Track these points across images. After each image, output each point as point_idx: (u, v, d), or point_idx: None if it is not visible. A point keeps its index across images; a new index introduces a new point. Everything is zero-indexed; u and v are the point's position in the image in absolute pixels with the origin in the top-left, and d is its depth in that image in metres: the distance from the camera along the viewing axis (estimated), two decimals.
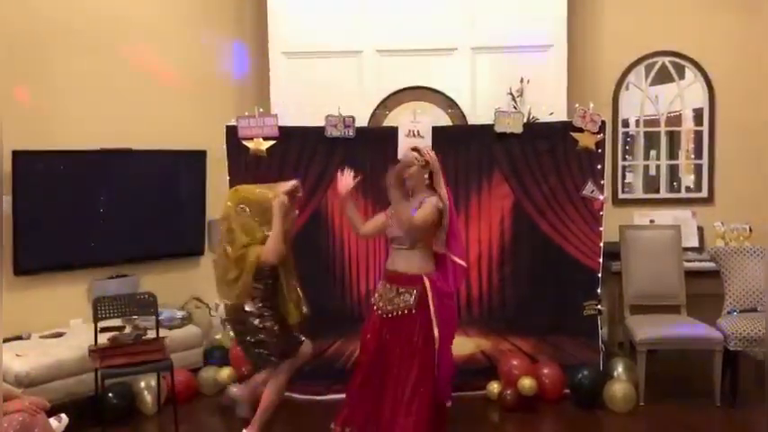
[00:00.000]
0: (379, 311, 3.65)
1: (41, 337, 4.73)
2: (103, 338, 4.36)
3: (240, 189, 4.05)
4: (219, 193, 5.11)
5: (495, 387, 4.72)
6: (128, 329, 4.69)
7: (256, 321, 3.87)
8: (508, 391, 4.60)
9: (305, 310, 3.97)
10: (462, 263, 3.70)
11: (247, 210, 3.88)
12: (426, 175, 3.63)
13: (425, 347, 3.55)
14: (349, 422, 3.70)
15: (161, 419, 4.57)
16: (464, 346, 4.75)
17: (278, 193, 3.87)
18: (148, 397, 4.60)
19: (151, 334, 4.51)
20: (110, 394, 4.39)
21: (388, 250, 3.88)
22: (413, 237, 3.57)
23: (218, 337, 5.38)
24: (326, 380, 4.88)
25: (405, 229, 3.53)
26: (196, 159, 5.57)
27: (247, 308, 3.89)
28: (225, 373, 4.81)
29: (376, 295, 3.73)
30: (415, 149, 3.69)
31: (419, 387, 3.50)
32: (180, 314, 5.21)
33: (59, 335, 4.78)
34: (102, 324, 4.45)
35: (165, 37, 5.57)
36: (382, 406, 3.57)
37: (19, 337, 4.63)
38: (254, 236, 3.83)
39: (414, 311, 3.54)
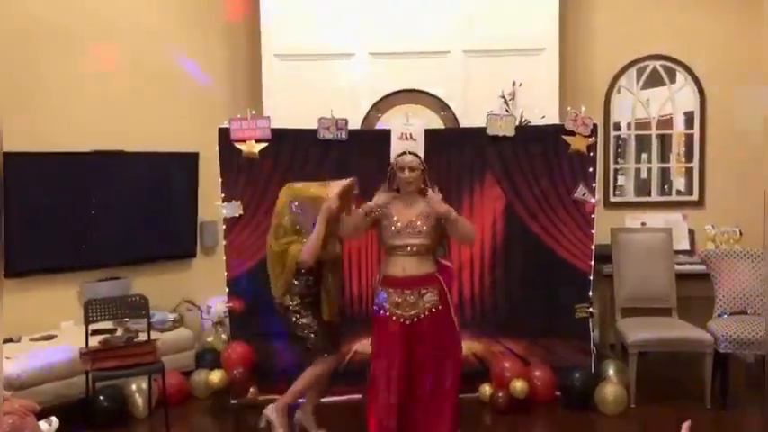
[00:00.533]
0: (402, 319, 3.58)
1: (32, 339, 4.71)
2: (94, 341, 4.33)
3: (294, 186, 4.13)
4: (211, 196, 5.12)
5: (486, 389, 4.73)
6: (119, 332, 4.68)
7: (294, 318, 4.00)
8: (500, 394, 4.61)
9: (335, 313, 4.04)
10: (449, 264, 3.79)
11: (297, 206, 3.98)
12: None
13: (454, 342, 3.68)
14: None
15: (152, 422, 4.55)
16: None
17: (330, 193, 3.90)
18: (139, 400, 4.59)
19: (143, 336, 4.49)
20: (100, 397, 4.37)
21: (380, 257, 3.87)
22: (433, 241, 3.62)
23: (209, 339, 5.37)
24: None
25: (466, 243, 3.76)
26: (188, 161, 5.56)
27: (287, 303, 4.01)
28: (216, 375, 4.79)
29: (388, 306, 3.61)
30: (411, 153, 3.71)
31: (452, 380, 3.61)
32: (172, 317, 5.20)
33: (50, 337, 4.76)
34: (93, 326, 4.42)
35: (158, 39, 5.56)
36: (414, 408, 3.59)
37: (9, 340, 4.61)
38: (300, 234, 3.94)
39: (440, 308, 3.61)
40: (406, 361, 3.57)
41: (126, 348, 4.28)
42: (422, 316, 3.58)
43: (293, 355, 4.89)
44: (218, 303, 5.25)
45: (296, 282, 3.97)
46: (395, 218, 3.62)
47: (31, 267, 4.83)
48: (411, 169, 3.64)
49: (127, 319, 4.76)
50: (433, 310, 3.59)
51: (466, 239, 3.77)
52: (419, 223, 3.59)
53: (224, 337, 5.20)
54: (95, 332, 4.46)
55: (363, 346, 4.82)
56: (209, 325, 5.46)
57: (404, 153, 3.73)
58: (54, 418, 3.53)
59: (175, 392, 4.73)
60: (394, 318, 3.59)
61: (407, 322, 3.57)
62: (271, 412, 4.10)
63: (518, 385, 4.55)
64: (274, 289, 4.05)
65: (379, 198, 3.66)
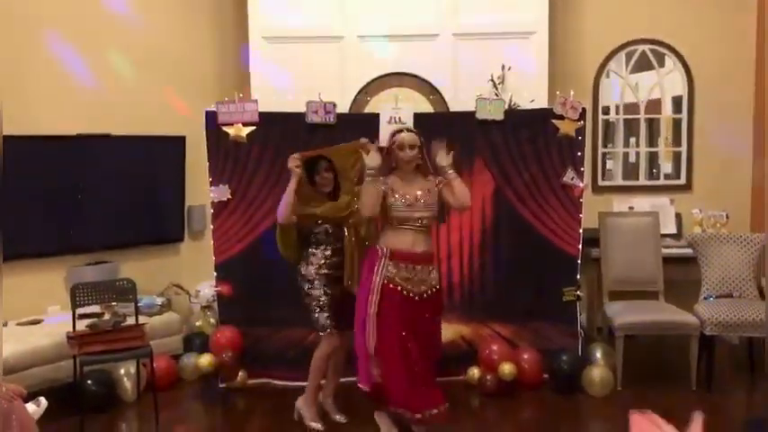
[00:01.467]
0: (412, 294, 3.67)
1: (19, 324, 4.69)
2: (82, 325, 4.32)
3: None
4: (199, 180, 5.10)
5: (475, 372, 4.76)
6: (106, 316, 4.66)
7: (306, 286, 4.02)
8: (488, 377, 4.64)
9: (353, 284, 3.97)
10: None
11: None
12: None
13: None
14: (417, 406, 3.69)
15: (141, 406, 4.55)
16: (445, 331, 4.72)
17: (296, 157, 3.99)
18: (128, 384, 4.58)
19: (130, 321, 4.48)
20: (88, 381, 4.35)
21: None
22: (436, 217, 3.73)
23: (198, 323, 5.37)
24: (308, 365, 4.86)
25: (462, 207, 3.74)
26: (175, 145, 5.52)
27: (302, 270, 4.03)
28: (205, 359, 4.79)
29: (398, 279, 3.66)
30: (409, 130, 3.76)
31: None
32: (159, 300, 5.18)
33: (37, 322, 4.74)
34: (80, 311, 4.41)
35: (144, 21, 5.50)
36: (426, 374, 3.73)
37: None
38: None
39: (439, 286, 3.80)
40: (416, 333, 3.68)
41: (113, 332, 4.27)
42: (431, 292, 3.72)
43: (281, 338, 4.93)
44: (207, 287, 5.24)
45: (314, 250, 4.01)
46: (401, 191, 3.65)
47: (18, 252, 4.77)
48: (411, 147, 3.67)
49: (114, 304, 4.74)
50: (437, 288, 3.77)
51: (462, 203, 3.77)
52: (425, 198, 3.67)
53: (212, 321, 5.20)
54: (82, 316, 4.45)
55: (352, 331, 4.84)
56: (197, 309, 5.45)
57: (401, 130, 3.74)
58: (42, 399, 3.52)
59: (164, 376, 4.72)
60: (404, 292, 3.66)
61: (416, 298, 3.67)
62: (300, 405, 4.17)
63: (506, 368, 4.58)
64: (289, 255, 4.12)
65: (373, 160, 3.68)
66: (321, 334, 4.06)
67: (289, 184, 3.96)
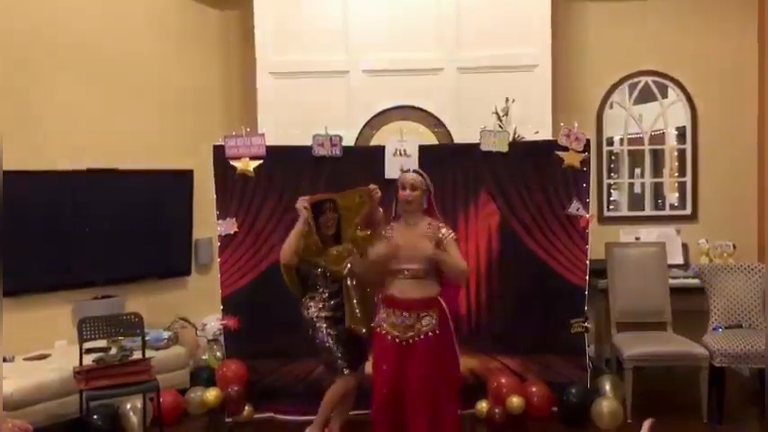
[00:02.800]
0: (397, 339, 3.54)
1: (25, 359, 4.68)
2: (89, 360, 4.31)
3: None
4: (206, 213, 5.12)
5: (483, 405, 4.71)
6: (113, 350, 4.64)
7: (309, 330, 4.01)
8: (497, 410, 4.59)
9: (355, 326, 3.94)
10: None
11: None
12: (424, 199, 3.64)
13: (453, 365, 3.64)
14: None
15: None
16: None
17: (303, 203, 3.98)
18: (134, 419, 4.54)
19: (137, 355, 4.47)
20: (95, 416, 4.32)
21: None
22: (434, 269, 3.56)
23: (204, 357, 5.35)
24: (314, 400, 4.82)
25: (457, 274, 3.60)
26: (182, 179, 5.56)
27: (304, 314, 4.03)
28: (212, 393, 4.77)
29: (385, 325, 3.58)
30: (415, 172, 3.67)
31: (451, 404, 3.58)
32: (166, 335, 5.17)
33: (44, 356, 4.73)
34: (87, 345, 4.40)
35: (152, 57, 5.59)
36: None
37: (2, 359, 4.57)
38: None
39: (437, 332, 3.54)
40: (397, 379, 3.52)
41: (120, 367, 4.25)
42: (418, 338, 3.53)
43: (288, 372, 4.90)
44: (213, 321, 5.23)
45: (313, 294, 4.01)
46: (395, 239, 3.56)
47: (25, 286, 4.79)
48: (412, 187, 3.57)
49: (121, 338, 4.72)
50: (430, 333, 3.53)
51: (456, 277, 3.68)
52: (412, 250, 3.50)
53: (218, 354, 5.18)
54: (89, 351, 4.44)
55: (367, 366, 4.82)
56: (203, 343, 5.43)
57: (407, 171, 3.66)
58: None
59: (170, 411, 4.69)
60: (389, 337, 3.56)
61: (403, 343, 3.54)
62: None
63: (515, 401, 4.54)
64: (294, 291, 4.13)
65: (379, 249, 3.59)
66: (337, 377, 4.02)
67: (296, 226, 3.96)
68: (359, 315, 3.95)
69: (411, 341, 3.53)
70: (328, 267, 4.00)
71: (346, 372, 3.97)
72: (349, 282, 3.99)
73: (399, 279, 3.55)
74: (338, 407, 4.15)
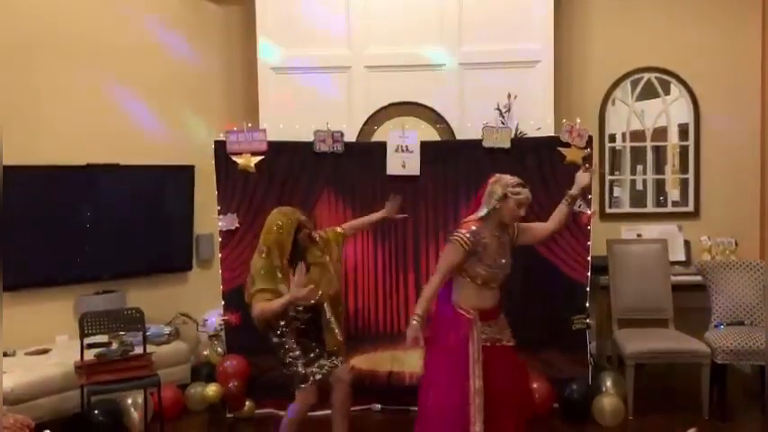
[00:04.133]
0: (498, 344, 3.45)
1: (27, 353, 4.68)
2: (90, 355, 4.31)
3: (292, 220, 3.78)
4: (207, 209, 5.12)
5: None
6: (114, 345, 4.65)
7: (275, 339, 3.77)
8: None
9: (339, 337, 3.87)
10: None
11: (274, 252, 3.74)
12: None
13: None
14: None
15: None
16: None
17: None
18: (135, 414, 4.55)
19: (138, 350, 4.47)
20: (96, 411, 4.33)
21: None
22: None
23: (205, 353, 5.35)
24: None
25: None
26: (184, 174, 5.55)
27: (272, 323, 3.75)
28: (212, 389, 4.78)
29: (484, 336, 3.39)
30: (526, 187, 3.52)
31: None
32: (167, 330, 5.17)
33: (45, 351, 4.74)
34: (88, 340, 4.41)
35: (153, 52, 5.58)
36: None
37: (4, 354, 4.58)
38: (272, 282, 3.70)
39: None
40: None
41: (121, 362, 4.26)
42: (510, 345, 3.50)
43: None
44: (214, 316, 5.23)
45: (278, 322, 3.75)
46: (493, 249, 3.40)
47: (26, 281, 4.80)
48: (527, 207, 3.47)
49: (122, 333, 4.74)
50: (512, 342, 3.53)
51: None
52: (505, 258, 3.47)
53: (219, 350, 5.18)
54: (90, 346, 4.44)
55: (360, 361, 4.81)
56: (204, 338, 5.44)
57: (525, 186, 3.48)
58: None
59: (171, 406, 4.69)
60: (490, 344, 3.42)
61: (500, 345, 3.47)
62: None
63: None
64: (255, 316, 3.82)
65: None
66: (296, 392, 3.80)
67: (282, 301, 3.60)
68: (338, 337, 3.87)
69: (506, 345, 3.49)
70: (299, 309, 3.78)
71: (302, 386, 3.77)
72: (328, 305, 3.85)
73: (487, 288, 3.43)
74: (335, 416, 3.93)
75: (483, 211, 3.41)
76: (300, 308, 3.74)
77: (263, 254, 3.75)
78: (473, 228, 3.37)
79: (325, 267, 3.88)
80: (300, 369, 3.75)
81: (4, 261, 4.62)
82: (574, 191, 3.71)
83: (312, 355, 3.80)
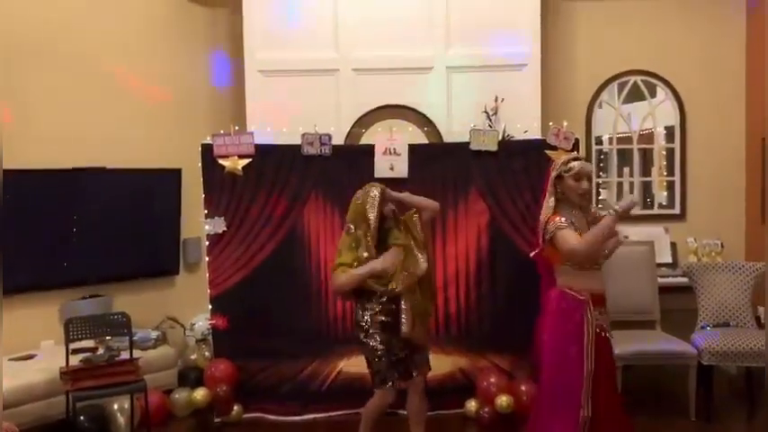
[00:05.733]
0: (604, 333, 3.42)
1: (11, 359, 4.63)
2: (75, 360, 4.28)
3: (369, 191, 3.72)
4: (194, 212, 5.10)
5: (472, 405, 4.71)
6: (100, 350, 4.61)
7: (361, 335, 3.68)
8: (485, 409, 4.59)
9: (418, 333, 3.69)
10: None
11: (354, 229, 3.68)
12: None
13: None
14: None
15: None
16: (442, 364, 4.74)
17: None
18: (121, 419, 4.51)
19: (125, 355, 4.44)
20: (81, 417, 4.30)
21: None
22: None
23: (193, 357, 5.31)
24: (303, 400, 4.84)
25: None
26: (171, 178, 5.52)
27: (357, 318, 3.70)
28: (200, 393, 4.75)
29: (597, 321, 3.36)
30: (585, 160, 3.52)
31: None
32: (154, 334, 5.14)
33: (30, 357, 4.69)
34: (74, 345, 4.37)
35: (140, 54, 5.55)
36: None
37: None
38: (352, 256, 3.63)
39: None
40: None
41: (107, 367, 4.23)
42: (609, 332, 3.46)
43: (277, 372, 4.89)
44: (202, 321, 5.21)
45: (369, 297, 3.65)
46: (582, 230, 3.36)
47: (11, 286, 4.74)
48: (589, 179, 3.41)
49: (108, 338, 4.70)
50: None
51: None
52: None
53: (207, 354, 5.15)
54: (76, 351, 4.41)
55: (348, 364, 4.80)
56: (192, 342, 5.40)
57: (576, 158, 3.45)
58: None
59: (158, 411, 4.66)
60: (602, 333, 3.41)
61: (609, 335, 3.46)
62: None
63: (504, 400, 4.54)
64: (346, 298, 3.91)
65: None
66: (376, 390, 3.71)
67: (366, 268, 3.58)
68: (415, 324, 3.66)
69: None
70: (382, 290, 3.64)
71: (383, 386, 3.66)
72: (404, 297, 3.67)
73: (591, 269, 3.41)
74: (411, 423, 3.83)
75: (551, 201, 3.42)
76: (384, 299, 3.63)
77: (347, 231, 3.72)
78: (556, 218, 3.35)
79: (408, 250, 3.74)
80: (382, 371, 3.65)
81: None
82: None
83: (395, 357, 3.66)
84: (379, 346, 3.63)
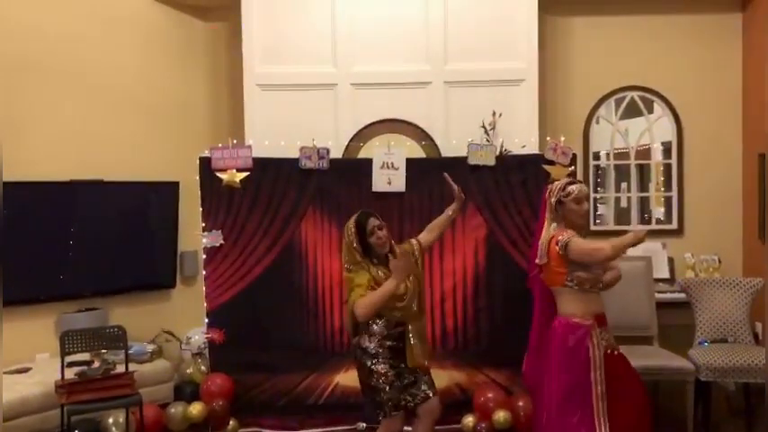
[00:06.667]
0: (614, 351, 3.45)
1: (6, 372, 4.60)
2: (71, 373, 4.25)
3: (350, 223, 3.62)
4: (192, 225, 5.09)
5: (470, 420, 4.69)
6: (96, 364, 4.58)
7: (369, 363, 3.53)
8: (482, 424, 4.57)
9: (423, 360, 3.61)
10: None
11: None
12: None
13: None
14: None
15: None
16: (439, 378, 4.66)
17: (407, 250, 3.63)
18: None
19: (120, 368, 4.42)
20: (76, 431, 4.26)
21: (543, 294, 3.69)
22: None
23: (189, 371, 5.29)
24: (299, 415, 4.82)
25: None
26: (168, 191, 5.53)
27: (363, 344, 3.55)
28: (196, 408, 4.72)
29: (604, 343, 3.40)
30: (580, 182, 3.55)
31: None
32: (150, 348, 5.11)
33: (25, 370, 4.67)
34: (69, 359, 4.35)
35: (139, 68, 5.57)
36: None
37: None
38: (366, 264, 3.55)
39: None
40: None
41: (103, 381, 4.20)
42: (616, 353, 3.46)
43: (273, 386, 4.87)
44: (198, 334, 5.19)
45: (376, 321, 3.52)
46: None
47: (7, 298, 4.71)
48: (587, 199, 3.44)
49: (104, 351, 4.68)
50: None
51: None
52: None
53: (203, 368, 5.13)
54: (72, 364, 4.38)
55: (344, 378, 4.78)
56: (188, 356, 5.38)
57: (574, 182, 3.48)
58: None
59: (153, 425, 4.63)
60: (610, 352, 3.43)
61: (617, 353, 3.47)
62: None
63: (501, 415, 4.52)
64: (347, 325, 3.71)
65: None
66: (381, 418, 3.56)
67: (388, 285, 3.43)
68: (420, 352, 3.59)
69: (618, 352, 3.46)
70: (395, 316, 3.56)
71: (394, 413, 3.54)
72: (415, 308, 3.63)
73: (592, 292, 3.44)
74: None
75: (552, 227, 3.44)
76: (392, 322, 3.54)
77: (347, 271, 3.60)
78: (564, 234, 3.35)
79: (413, 278, 3.64)
80: (393, 395, 3.52)
81: None
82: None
83: (406, 381, 3.59)
84: (390, 372, 3.52)
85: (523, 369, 3.58)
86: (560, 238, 3.37)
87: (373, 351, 3.53)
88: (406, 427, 3.68)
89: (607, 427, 3.28)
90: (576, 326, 3.36)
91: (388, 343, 3.55)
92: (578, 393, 3.32)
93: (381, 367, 3.52)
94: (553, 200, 3.45)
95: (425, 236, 3.89)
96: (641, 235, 3.24)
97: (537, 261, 3.54)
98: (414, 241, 3.83)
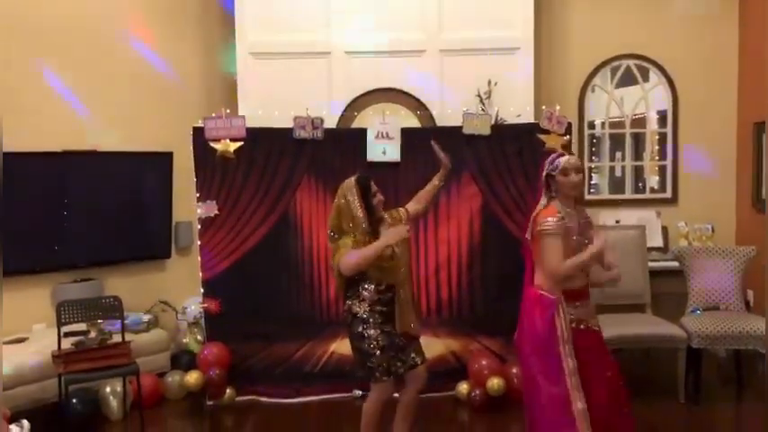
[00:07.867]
0: (585, 325, 3.39)
1: (3, 342, 4.62)
2: (67, 343, 4.28)
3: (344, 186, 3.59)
4: (186, 196, 5.08)
5: (464, 387, 4.74)
6: (92, 334, 4.60)
7: (360, 327, 3.52)
8: (477, 392, 4.62)
9: (413, 326, 3.61)
10: None
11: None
12: None
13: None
14: None
15: (127, 425, 4.51)
16: (434, 347, 4.76)
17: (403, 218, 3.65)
18: (114, 402, 4.53)
19: (117, 338, 4.44)
20: (74, 400, 4.31)
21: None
22: None
23: (185, 340, 5.33)
24: (296, 383, 4.87)
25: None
26: (162, 161, 5.50)
27: (354, 310, 3.55)
28: (193, 376, 4.76)
29: (571, 317, 3.33)
30: (571, 154, 3.50)
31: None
32: (146, 318, 5.14)
33: (22, 340, 4.69)
34: (66, 329, 4.36)
35: (131, 37, 5.50)
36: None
37: None
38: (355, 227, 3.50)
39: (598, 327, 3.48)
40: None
41: (99, 350, 4.23)
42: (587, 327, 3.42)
43: (269, 355, 4.91)
44: (194, 304, 5.21)
45: (365, 286, 3.52)
46: (572, 228, 3.34)
47: (2, 269, 4.73)
48: (577, 171, 3.34)
49: (100, 321, 4.68)
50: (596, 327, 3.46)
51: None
52: (585, 234, 3.42)
53: (199, 338, 5.17)
54: (68, 334, 4.40)
55: (340, 346, 4.82)
56: (184, 326, 5.41)
57: (562, 154, 3.43)
58: (25, 422, 3.46)
59: (150, 394, 4.68)
60: (583, 327, 3.39)
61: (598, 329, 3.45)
62: None
63: (495, 383, 4.57)
64: (337, 289, 3.70)
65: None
66: (374, 385, 3.55)
67: (377, 244, 3.42)
68: (408, 318, 3.60)
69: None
70: (384, 279, 3.54)
71: (385, 378, 3.52)
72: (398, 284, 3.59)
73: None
74: (398, 417, 3.68)
75: (544, 200, 3.40)
76: (382, 286, 3.52)
77: (330, 239, 3.59)
78: (552, 215, 3.31)
79: (403, 244, 3.61)
80: (379, 363, 3.50)
81: None
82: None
83: (397, 342, 3.58)
84: (381, 337, 3.51)
85: (515, 337, 3.60)
86: (541, 218, 3.33)
87: (364, 316, 3.52)
88: (395, 395, 3.69)
89: (583, 400, 3.27)
90: (541, 298, 3.35)
91: (379, 308, 3.54)
92: (549, 363, 3.29)
93: (372, 332, 3.51)
94: (543, 174, 3.43)
95: (413, 206, 3.87)
96: (597, 250, 3.28)
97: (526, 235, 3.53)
98: (402, 210, 3.81)
